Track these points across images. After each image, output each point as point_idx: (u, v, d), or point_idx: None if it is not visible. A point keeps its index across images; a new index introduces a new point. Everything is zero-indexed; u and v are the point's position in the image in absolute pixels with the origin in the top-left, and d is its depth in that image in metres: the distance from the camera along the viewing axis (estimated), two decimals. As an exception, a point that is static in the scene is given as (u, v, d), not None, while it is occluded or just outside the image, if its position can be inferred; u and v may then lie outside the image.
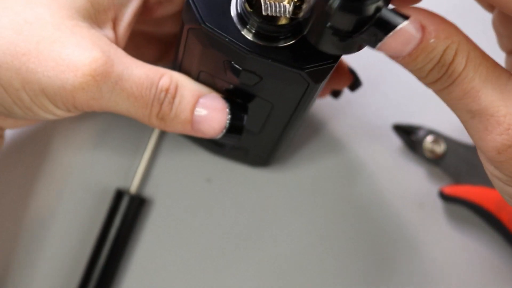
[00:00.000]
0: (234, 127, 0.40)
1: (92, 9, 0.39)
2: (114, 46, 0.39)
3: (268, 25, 0.36)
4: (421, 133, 0.53)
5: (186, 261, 0.51)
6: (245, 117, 0.40)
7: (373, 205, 0.53)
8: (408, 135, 0.53)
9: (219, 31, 0.36)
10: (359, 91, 0.53)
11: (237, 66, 0.37)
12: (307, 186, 0.53)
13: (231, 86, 0.40)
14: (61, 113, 0.40)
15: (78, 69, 0.37)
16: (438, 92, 0.34)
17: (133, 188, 0.51)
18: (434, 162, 0.53)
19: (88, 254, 0.50)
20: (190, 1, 0.37)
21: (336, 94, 0.51)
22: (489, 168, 0.36)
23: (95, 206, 0.51)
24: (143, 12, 0.44)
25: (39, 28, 0.37)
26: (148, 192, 0.52)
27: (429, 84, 0.34)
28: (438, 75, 0.33)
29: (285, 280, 0.51)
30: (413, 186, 0.53)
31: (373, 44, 0.33)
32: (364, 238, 0.53)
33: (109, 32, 0.40)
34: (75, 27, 0.38)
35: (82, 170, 0.52)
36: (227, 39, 0.36)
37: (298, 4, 0.35)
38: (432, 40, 0.32)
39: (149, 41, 0.49)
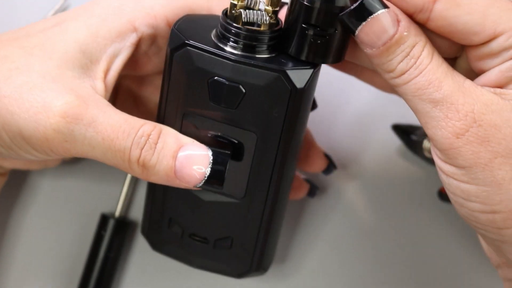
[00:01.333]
0: (216, 174, 0.40)
1: (84, 59, 0.41)
2: (96, 95, 0.41)
3: (249, 32, 0.39)
4: (420, 133, 0.52)
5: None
6: (227, 164, 0.40)
7: (373, 205, 0.53)
8: (408, 135, 0.53)
9: (202, 45, 0.39)
10: (360, 91, 0.53)
11: (222, 80, 0.39)
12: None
13: (214, 130, 0.41)
14: (40, 156, 0.41)
15: (50, 111, 0.39)
16: (403, 86, 0.38)
17: (118, 212, 0.52)
18: (434, 162, 0.52)
19: (77, 279, 0.51)
20: (174, 28, 0.40)
21: (312, 192, 0.52)
22: (443, 168, 0.39)
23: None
24: (132, 64, 0.45)
25: (25, 74, 0.40)
26: (133, 215, 0.53)
27: (396, 77, 0.38)
28: (406, 67, 0.37)
29: None
30: (412, 186, 0.53)
31: (355, 28, 0.37)
32: (363, 237, 0.53)
33: (98, 83, 0.42)
34: (59, 76, 0.40)
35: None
36: (212, 52, 0.39)
37: (273, 22, 0.39)
38: (405, 33, 0.37)
39: (138, 106, 0.50)
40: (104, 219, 0.51)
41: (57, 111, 0.39)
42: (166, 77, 0.41)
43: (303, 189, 0.51)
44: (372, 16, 0.37)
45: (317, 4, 0.37)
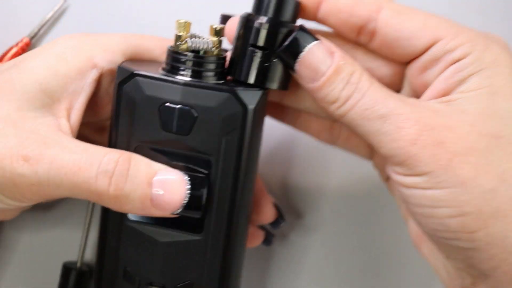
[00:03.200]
0: (194, 199, 0.39)
1: (45, 98, 0.41)
2: (58, 132, 0.40)
3: (196, 58, 0.40)
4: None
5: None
6: (205, 190, 0.40)
7: (372, 205, 0.53)
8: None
9: (151, 73, 0.40)
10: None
11: (173, 105, 0.39)
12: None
13: (168, 160, 0.40)
14: (11, 203, 0.41)
15: (12, 156, 0.39)
16: (350, 112, 0.38)
17: (79, 262, 0.52)
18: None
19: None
20: (121, 66, 0.41)
21: (268, 240, 0.51)
22: (404, 181, 0.38)
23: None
24: (93, 106, 0.45)
25: None
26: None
27: (341, 105, 0.39)
28: (349, 92, 0.38)
29: None
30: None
31: (293, 64, 0.39)
32: (363, 238, 0.53)
33: (62, 121, 0.41)
34: (20, 118, 0.40)
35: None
36: (161, 78, 0.39)
37: (219, 50, 0.41)
38: (342, 62, 0.38)
39: (101, 132, 0.50)
40: (66, 270, 0.51)
41: (19, 155, 0.38)
42: (115, 112, 0.41)
43: (257, 237, 0.50)
44: (306, 49, 0.39)
45: (265, 26, 0.39)
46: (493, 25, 0.52)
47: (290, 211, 0.52)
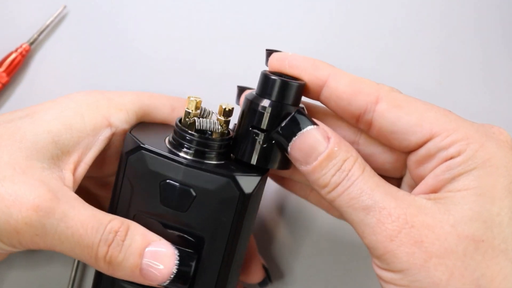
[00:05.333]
0: (182, 274, 0.40)
1: (55, 149, 0.41)
2: (64, 187, 0.41)
3: (201, 139, 0.41)
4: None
5: None
6: (193, 265, 0.41)
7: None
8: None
9: (156, 149, 0.41)
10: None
11: (174, 183, 0.40)
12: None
13: (163, 232, 0.41)
14: (5, 248, 0.41)
15: (22, 204, 0.39)
16: (338, 198, 0.39)
17: None
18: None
19: None
20: (130, 133, 0.42)
21: (264, 282, 0.52)
22: (382, 275, 0.38)
23: None
24: (100, 162, 0.45)
25: None
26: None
27: (331, 191, 0.39)
28: (339, 179, 0.39)
29: None
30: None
31: (286, 144, 0.39)
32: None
33: (67, 174, 0.42)
34: (29, 167, 0.40)
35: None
36: (165, 156, 0.40)
37: (225, 131, 0.42)
38: (335, 148, 0.39)
39: (92, 202, 0.50)
40: None
41: (30, 204, 0.39)
42: (119, 179, 0.42)
43: (259, 274, 0.51)
44: (301, 131, 0.39)
45: (268, 110, 0.40)
46: (493, 25, 0.52)
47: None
